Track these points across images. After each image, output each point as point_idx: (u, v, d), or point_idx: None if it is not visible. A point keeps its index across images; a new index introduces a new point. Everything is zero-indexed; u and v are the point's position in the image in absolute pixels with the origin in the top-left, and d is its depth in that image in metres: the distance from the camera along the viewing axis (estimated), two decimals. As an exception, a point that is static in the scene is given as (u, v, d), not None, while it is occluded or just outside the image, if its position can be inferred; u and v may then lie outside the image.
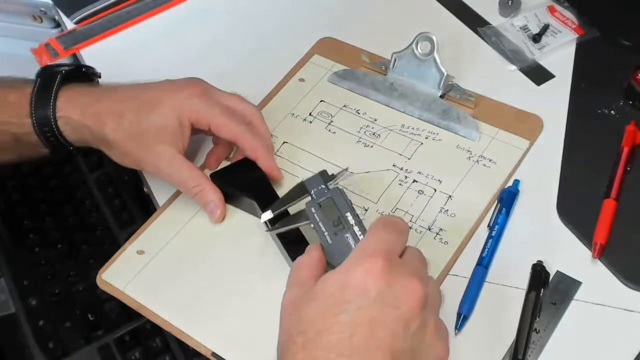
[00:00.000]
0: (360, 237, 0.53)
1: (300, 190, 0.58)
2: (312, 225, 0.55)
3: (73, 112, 0.61)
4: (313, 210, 0.54)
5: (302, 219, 0.56)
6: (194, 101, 0.61)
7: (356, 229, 0.53)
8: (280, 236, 0.59)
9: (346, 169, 0.60)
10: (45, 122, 0.61)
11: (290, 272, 0.52)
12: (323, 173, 0.58)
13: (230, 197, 0.64)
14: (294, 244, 0.58)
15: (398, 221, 0.51)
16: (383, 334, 0.44)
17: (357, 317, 0.45)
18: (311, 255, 0.52)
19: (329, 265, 0.53)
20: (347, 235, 0.53)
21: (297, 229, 0.59)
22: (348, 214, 0.54)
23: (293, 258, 0.56)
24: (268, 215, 0.58)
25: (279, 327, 0.49)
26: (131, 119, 0.61)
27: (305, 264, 0.51)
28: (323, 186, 0.57)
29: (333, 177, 0.59)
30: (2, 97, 0.63)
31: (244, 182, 0.62)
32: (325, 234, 0.53)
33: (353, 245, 0.53)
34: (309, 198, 0.56)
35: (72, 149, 0.64)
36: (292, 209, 0.58)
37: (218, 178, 0.64)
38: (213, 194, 0.61)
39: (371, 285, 0.45)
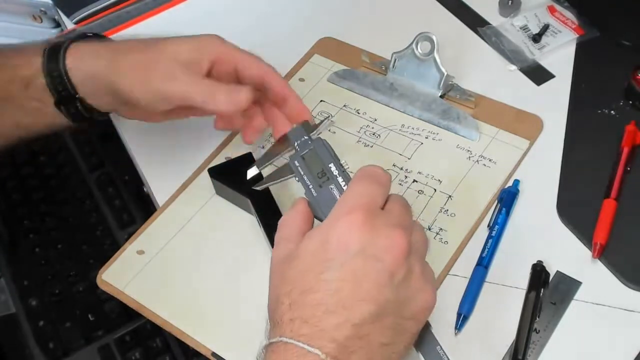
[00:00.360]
0: (345, 188, 0.52)
1: (284, 143, 0.58)
2: (296, 179, 0.54)
3: (85, 47, 0.60)
4: (297, 163, 0.54)
5: (286, 173, 0.55)
6: (218, 42, 0.60)
7: (340, 179, 0.52)
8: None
9: (328, 117, 0.59)
10: (54, 57, 0.58)
11: (277, 229, 0.51)
12: (305, 124, 0.57)
13: (227, 194, 0.64)
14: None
15: (378, 172, 0.50)
16: (368, 286, 0.45)
17: (341, 272, 0.45)
18: (296, 210, 0.51)
19: (317, 218, 0.52)
20: (332, 186, 0.52)
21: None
22: (332, 165, 0.53)
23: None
24: (254, 171, 0.58)
25: (269, 285, 0.49)
26: (148, 41, 0.59)
27: (290, 220, 0.51)
28: (306, 137, 0.56)
29: (316, 127, 0.58)
30: (20, 47, 0.62)
31: (241, 179, 0.62)
32: (310, 186, 0.52)
33: (338, 197, 0.52)
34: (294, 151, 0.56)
35: (78, 98, 0.59)
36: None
37: (216, 174, 0.64)
38: (230, 85, 0.58)
39: (352, 239, 0.45)
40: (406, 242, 0.46)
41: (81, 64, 0.59)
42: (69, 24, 0.84)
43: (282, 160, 0.58)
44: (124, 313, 0.63)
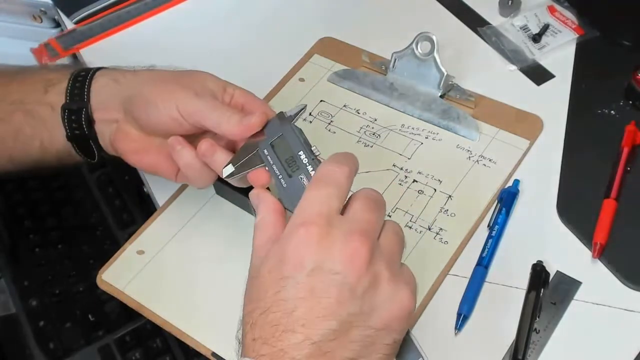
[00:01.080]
0: None
1: (259, 137, 0.55)
2: (266, 168, 0.51)
3: (108, 72, 0.60)
4: (265, 152, 0.51)
5: (256, 162, 0.52)
6: (213, 76, 0.59)
7: (310, 168, 0.50)
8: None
9: (305, 106, 0.56)
10: (86, 69, 0.59)
11: (253, 234, 0.49)
12: (280, 114, 0.54)
13: (227, 194, 0.64)
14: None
15: (334, 170, 0.47)
16: (327, 302, 0.43)
17: (297, 290, 0.43)
18: (266, 210, 0.48)
19: (287, 210, 0.49)
20: (302, 176, 0.50)
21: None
22: (301, 153, 0.50)
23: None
24: (229, 169, 0.54)
25: None
26: (172, 73, 0.59)
27: (260, 225, 0.48)
28: (288, 126, 0.53)
29: (291, 118, 0.55)
30: (45, 72, 0.62)
31: None
32: (280, 177, 0.50)
33: None
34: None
35: (88, 105, 0.58)
36: None
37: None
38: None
39: (307, 255, 0.44)
40: (366, 249, 0.44)
41: (109, 73, 0.59)
42: (69, 24, 0.84)
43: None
44: (124, 313, 0.63)
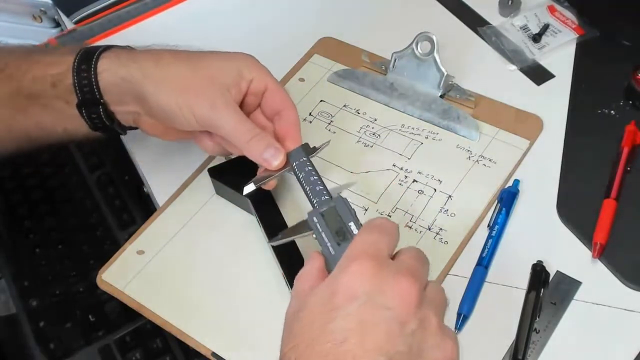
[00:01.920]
0: None
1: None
2: (314, 236, 0.52)
3: (122, 53, 0.59)
4: (315, 219, 0.52)
5: (304, 230, 0.53)
6: (256, 61, 0.60)
7: None
8: (277, 251, 0.58)
9: (328, 142, 0.59)
10: (87, 57, 0.58)
11: (293, 284, 0.50)
12: (304, 146, 0.58)
13: (227, 194, 0.64)
14: (288, 259, 0.57)
15: (383, 222, 0.49)
16: (376, 336, 0.42)
17: (347, 322, 0.43)
18: (311, 265, 0.49)
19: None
20: None
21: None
22: (351, 224, 0.51)
23: (287, 273, 0.56)
24: (250, 187, 0.57)
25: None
26: (191, 55, 0.58)
27: (304, 275, 0.49)
28: (305, 158, 0.56)
29: (315, 149, 0.58)
30: (56, 48, 0.63)
31: (241, 180, 0.62)
32: (328, 244, 0.51)
33: None
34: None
35: (102, 102, 0.59)
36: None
37: (216, 173, 0.64)
38: (271, 137, 0.58)
39: (358, 287, 0.43)
40: (416, 290, 0.44)
41: (114, 67, 0.58)
42: (68, 24, 0.84)
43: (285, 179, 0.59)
44: (124, 313, 0.63)
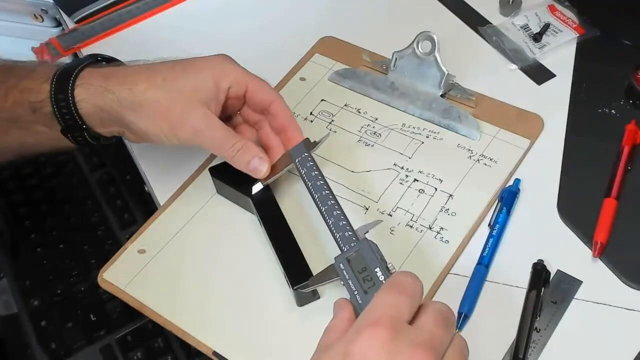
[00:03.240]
0: None
1: (286, 159, 0.60)
2: (342, 282, 0.51)
3: (95, 79, 0.59)
4: (342, 266, 0.51)
5: (331, 275, 0.52)
6: (231, 65, 0.61)
7: None
8: (278, 250, 0.58)
9: (328, 134, 0.61)
10: (62, 87, 0.58)
11: (322, 335, 0.48)
12: (306, 141, 0.59)
13: (228, 194, 0.64)
14: (289, 258, 0.58)
15: (407, 280, 0.46)
16: None
17: None
18: (341, 317, 0.48)
19: None
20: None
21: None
22: (377, 270, 0.50)
23: (288, 272, 0.56)
24: (258, 187, 0.60)
25: None
26: (165, 75, 0.59)
27: (332, 328, 0.47)
28: (306, 154, 0.58)
29: (316, 143, 0.59)
30: (31, 68, 0.61)
31: (242, 179, 0.62)
32: (355, 292, 0.50)
33: None
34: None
35: (85, 127, 0.60)
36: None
37: (217, 173, 0.64)
38: (255, 148, 0.60)
39: (373, 356, 0.42)
40: None
41: (90, 97, 0.59)
42: (70, 23, 0.84)
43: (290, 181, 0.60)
44: (126, 313, 0.63)
